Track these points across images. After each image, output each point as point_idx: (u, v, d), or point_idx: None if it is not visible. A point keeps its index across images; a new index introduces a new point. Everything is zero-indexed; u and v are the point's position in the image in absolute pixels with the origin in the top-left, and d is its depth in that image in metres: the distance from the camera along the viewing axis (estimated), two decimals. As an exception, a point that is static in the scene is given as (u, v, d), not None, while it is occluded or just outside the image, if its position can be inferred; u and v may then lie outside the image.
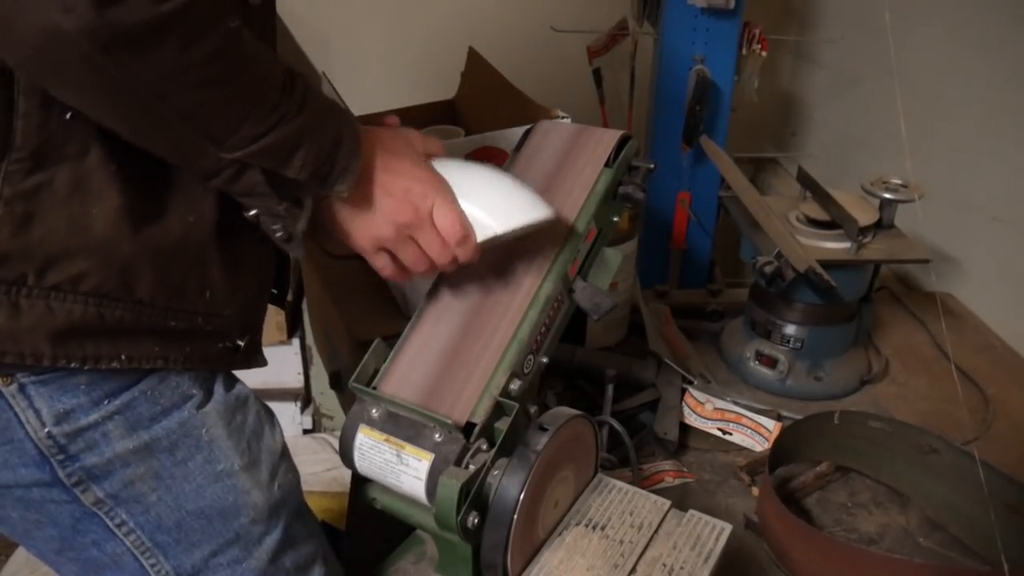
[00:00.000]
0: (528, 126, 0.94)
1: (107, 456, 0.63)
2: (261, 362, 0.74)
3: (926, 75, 1.55)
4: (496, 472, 0.72)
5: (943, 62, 1.56)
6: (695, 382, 1.25)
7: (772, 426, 1.17)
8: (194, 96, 0.54)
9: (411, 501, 0.77)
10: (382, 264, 0.73)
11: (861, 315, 1.31)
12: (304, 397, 2.06)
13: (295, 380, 2.03)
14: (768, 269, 1.18)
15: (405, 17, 1.91)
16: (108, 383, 0.62)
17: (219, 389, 0.69)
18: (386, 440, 0.75)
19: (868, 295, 1.31)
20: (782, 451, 1.08)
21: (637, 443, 1.14)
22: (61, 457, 0.62)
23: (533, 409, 0.78)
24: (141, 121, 0.55)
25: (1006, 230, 1.45)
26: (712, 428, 1.19)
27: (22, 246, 0.56)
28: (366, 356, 0.78)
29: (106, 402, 0.62)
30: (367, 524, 0.84)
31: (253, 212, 0.63)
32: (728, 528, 0.80)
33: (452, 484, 0.69)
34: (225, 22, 0.53)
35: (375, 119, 0.78)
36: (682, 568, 0.75)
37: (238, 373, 0.73)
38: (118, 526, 0.66)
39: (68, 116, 0.56)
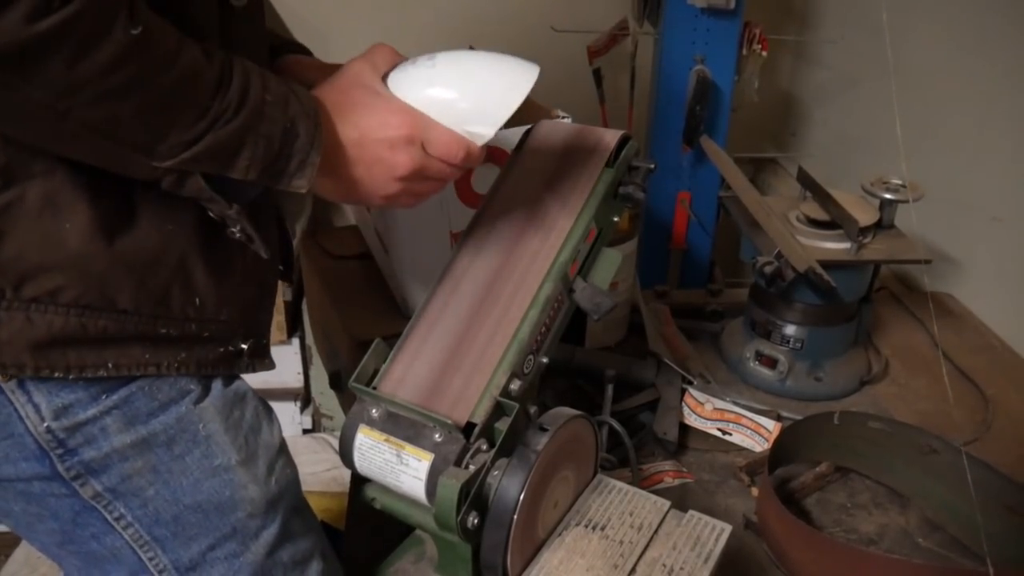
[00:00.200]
0: (528, 126, 0.94)
1: (105, 450, 0.63)
2: (268, 365, 0.74)
3: (926, 75, 1.55)
4: (496, 472, 0.72)
5: (943, 62, 1.56)
6: (695, 382, 1.25)
7: (772, 426, 1.17)
8: (99, 110, 0.51)
9: (411, 501, 0.77)
10: (403, 204, 0.73)
11: (861, 315, 1.31)
12: (304, 397, 2.06)
13: (295, 380, 2.04)
14: (768, 269, 1.18)
15: (405, 16, 1.91)
16: (106, 379, 0.62)
17: (217, 385, 0.69)
18: (386, 440, 0.75)
19: (868, 295, 1.31)
20: (782, 451, 1.08)
21: (637, 443, 1.14)
22: (60, 451, 0.62)
23: (533, 409, 0.78)
24: (56, 138, 0.54)
25: (1006, 230, 1.44)
26: (712, 428, 1.19)
27: None
28: (366, 356, 0.78)
29: (104, 397, 0.62)
30: (367, 524, 0.84)
31: (213, 215, 0.63)
32: (728, 529, 0.80)
33: (452, 484, 0.69)
34: (118, 32, 0.49)
35: None
36: (682, 569, 0.75)
37: (239, 371, 0.73)
38: (116, 519, 0.66)
39: None
